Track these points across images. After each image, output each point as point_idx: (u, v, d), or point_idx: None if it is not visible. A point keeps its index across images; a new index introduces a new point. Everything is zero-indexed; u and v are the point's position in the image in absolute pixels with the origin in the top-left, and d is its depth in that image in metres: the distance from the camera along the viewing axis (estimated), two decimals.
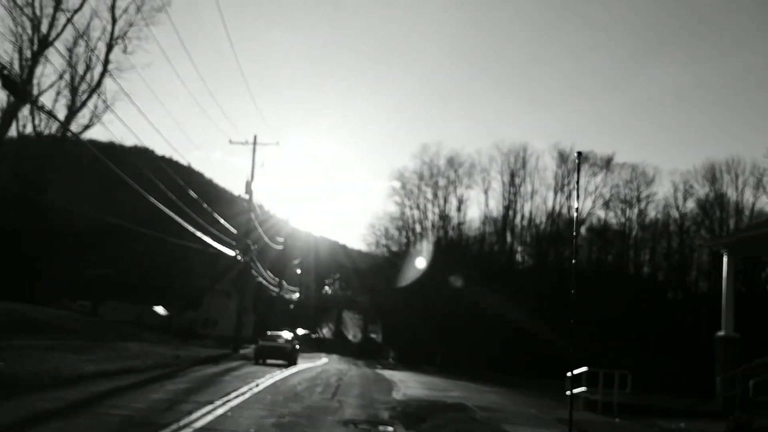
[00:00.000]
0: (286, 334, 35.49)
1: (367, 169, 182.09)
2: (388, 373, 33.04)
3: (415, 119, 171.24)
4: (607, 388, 16.79)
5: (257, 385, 18.02)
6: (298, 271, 66.57)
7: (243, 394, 15.17)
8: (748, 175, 60.70)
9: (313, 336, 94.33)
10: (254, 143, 40.26)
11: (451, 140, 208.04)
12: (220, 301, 71.12)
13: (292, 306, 68.08)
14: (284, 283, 57.78)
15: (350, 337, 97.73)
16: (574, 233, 16.58)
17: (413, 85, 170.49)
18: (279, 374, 23.76)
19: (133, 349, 26.01)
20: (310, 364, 35.54)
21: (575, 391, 14.09)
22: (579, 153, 14.01)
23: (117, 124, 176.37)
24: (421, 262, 74.64)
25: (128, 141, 50.26)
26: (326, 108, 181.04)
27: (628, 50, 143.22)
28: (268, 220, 59.00)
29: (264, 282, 57.12)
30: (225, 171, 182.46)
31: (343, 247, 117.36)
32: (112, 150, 39.47)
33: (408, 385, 24.73)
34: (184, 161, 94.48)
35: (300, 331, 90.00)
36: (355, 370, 35.28)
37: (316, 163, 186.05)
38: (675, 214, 66.66)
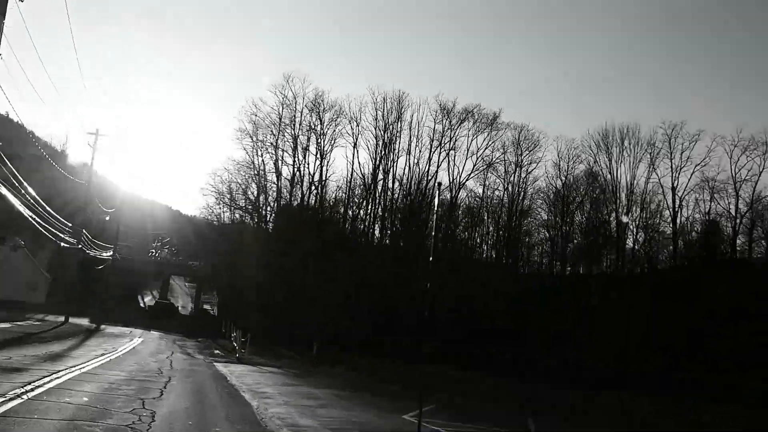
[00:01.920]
0: None
1: (222, 115, 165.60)
2: (245, 382, 22.08)
3: (278, 50, 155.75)
4: None
5: None
6: (107, 219, 52.25)
7: None
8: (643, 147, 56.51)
9: (146, 301, 78.87)
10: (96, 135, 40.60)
11: (319, 77, 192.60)
12: (1, 257, 54.76)
13: (101, 267, 53.57)
14: (87, 238, 43.62)
15: (179, 307, 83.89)
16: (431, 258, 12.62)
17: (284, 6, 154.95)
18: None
19: None
20: (98, 352, 23.55)
21: None
22: (439, 184, 8.86)
23: None
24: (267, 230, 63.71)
25: None
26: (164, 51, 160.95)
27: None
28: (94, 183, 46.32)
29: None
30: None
31: (177, 212, 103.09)
32: None
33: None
34: None
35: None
36: (183, 364, 23.84)
37: (163, 124, 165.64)
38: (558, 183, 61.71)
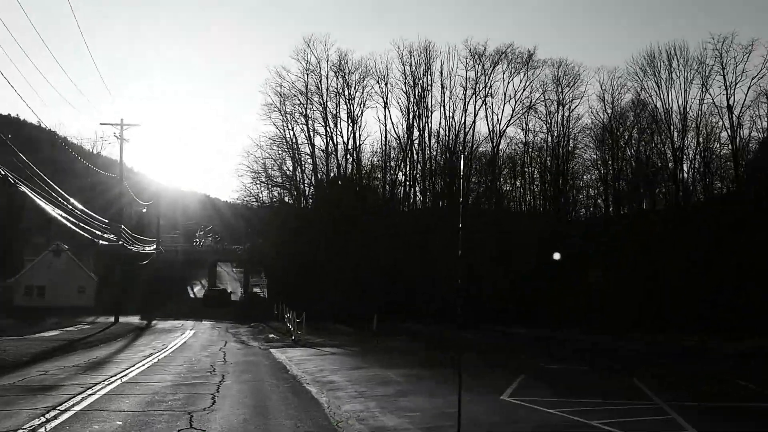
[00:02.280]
0: None
1: (244, 92, 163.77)
2: (307, 370, 19.98)
3: (292, 14, 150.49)
4: None
5: None
6: (144, 210, 50.99)
7: None
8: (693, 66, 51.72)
9: (195, 291, 78.15)
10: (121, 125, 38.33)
11: (340, 36, 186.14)
12: (47, 262, 54.09)
13: (146, 262, 52.48)
14: (127, 234, 42.17)
15: (230, 293, 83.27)
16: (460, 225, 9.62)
17: None
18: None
19: None
20: (146, 352, 21.73)
21: None
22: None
23: None
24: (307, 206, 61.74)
25: None
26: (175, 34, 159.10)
27: None
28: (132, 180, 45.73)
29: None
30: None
31: (216, 200, 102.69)
32: None
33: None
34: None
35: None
36: (237, 356, 21.90)
37: (186, 112, 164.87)
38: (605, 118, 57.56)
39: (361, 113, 60.44)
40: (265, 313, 50.55)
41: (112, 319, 42.21)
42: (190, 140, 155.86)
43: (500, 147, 60.53)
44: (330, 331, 33.20)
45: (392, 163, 62.70)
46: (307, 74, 59.35)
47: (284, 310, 40.11)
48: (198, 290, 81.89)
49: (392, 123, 60.93)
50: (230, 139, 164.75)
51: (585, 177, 61.72)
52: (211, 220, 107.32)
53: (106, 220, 40.05)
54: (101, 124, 41.24)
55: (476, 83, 59.72)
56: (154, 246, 57.42)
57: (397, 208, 61.83)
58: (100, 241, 37.96)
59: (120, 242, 39.64)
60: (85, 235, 34.58)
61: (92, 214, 37.15)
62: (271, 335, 32.13)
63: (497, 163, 61.05)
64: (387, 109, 60.47)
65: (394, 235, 51.19)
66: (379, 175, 63.15)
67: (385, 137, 61.11)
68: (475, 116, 59.64)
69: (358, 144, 60.51)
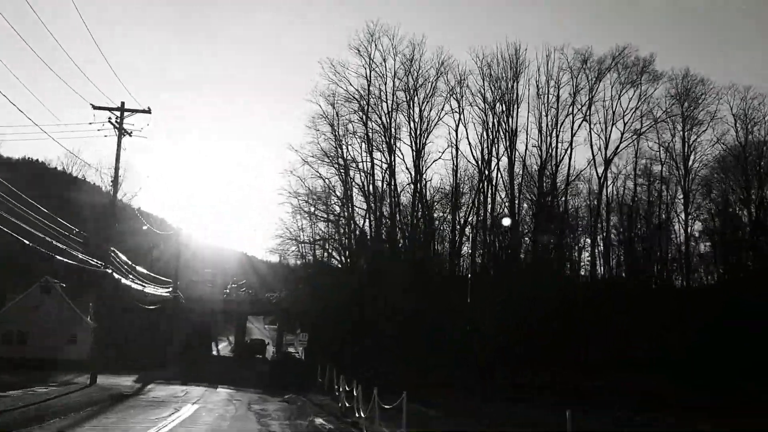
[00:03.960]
0: None
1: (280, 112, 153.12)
2: None
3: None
4: None
5: None
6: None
7: None
8: None
9: (219, 349, 66.50)
10: (121, 109, 28.16)
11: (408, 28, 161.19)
12: (31, 302, 43.01)
13: (154, 308, 41.29)
14: (119, 263, 30.66)
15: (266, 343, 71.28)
16: None
17: None
18: None
19: None
20: None
21: None
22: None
23: None
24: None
25: None
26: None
27: None
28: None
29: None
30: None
31: (252, 258, 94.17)
32: None
33: None
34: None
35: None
36: None
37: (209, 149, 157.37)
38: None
39: (427, 135, 49.24)
40: (302, 380, 37.94)
41: (101, 379, 30.94)
42: (222, 195, 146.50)
43: (607, 176, 48.19)
44: (415, 415, 20.56)
45: (462, 200, 50.80)
46: (370, 70, 48.46)
47: (333, 377, 27.73)
48: (223, 347, 69.77)
49: (469, 143, 49.48)
50: (267, 192, 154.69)
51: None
52: (247, 278, 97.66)
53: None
54: (94, 107, 28.97)
55: (573, 99, 48.32)
56: (171, 288, 46.20)
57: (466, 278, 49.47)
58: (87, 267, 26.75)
59: (108, 270, 28.22)
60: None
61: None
62: (319, 420, 19.65)
63: (600, 202, 48.57)
64: (460, 126, 49.20)
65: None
66: (446, 212, 51.12)
67: (456, 170, 49.27)
68: (572, 136, 47.89)
69: (420, 184, 48.62)
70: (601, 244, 49.19)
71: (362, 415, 19.02)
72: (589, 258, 51.02)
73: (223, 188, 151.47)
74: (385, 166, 48.77)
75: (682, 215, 47.84)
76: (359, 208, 49.28)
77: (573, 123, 47.99)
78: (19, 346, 41.43)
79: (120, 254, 30.48)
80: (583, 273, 50.93)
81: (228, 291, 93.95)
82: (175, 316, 50.02)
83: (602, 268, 50.29)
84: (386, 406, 17.40)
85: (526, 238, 49.73)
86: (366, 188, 49.47)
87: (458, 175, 49.20)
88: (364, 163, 48.85)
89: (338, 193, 49.49)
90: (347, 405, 20.84)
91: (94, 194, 61.43)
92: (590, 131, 48.02)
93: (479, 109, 49.19)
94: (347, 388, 21.94)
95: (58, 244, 24.90)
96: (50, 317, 42.27)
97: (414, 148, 48.62)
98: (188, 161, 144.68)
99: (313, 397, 28.43)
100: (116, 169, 28.63)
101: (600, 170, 47.69)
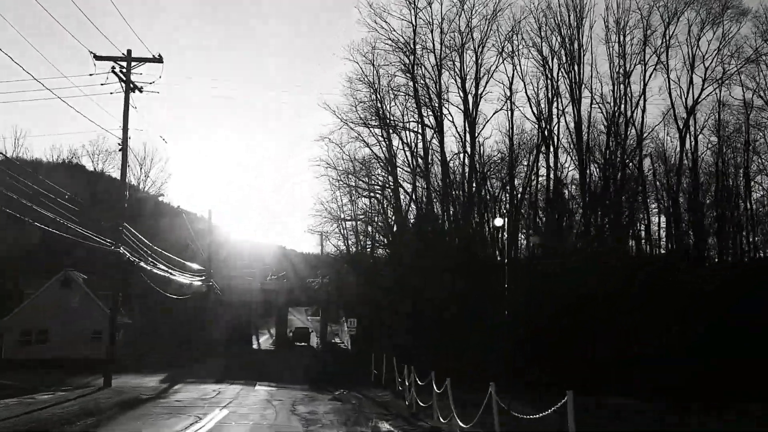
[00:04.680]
0: None
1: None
2: None
3: None
4: None
5: None
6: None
7: None
8: None
9: (260, 342, 62.74)
10: (128, 59, 23.66)
11: None
12: (51, 297, 39.31)
13: (187, 296, 37.35)
14: (133, 241, 26.29)
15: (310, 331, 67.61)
16: None
17: None
18: None
19: None
20: None
21: None
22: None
23: None
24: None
25: None
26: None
27: None
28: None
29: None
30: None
31: (291, 251, 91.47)
32: None
33: None
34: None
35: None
36: None
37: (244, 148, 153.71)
38: None
39: (480, 96, 43.73)
40: (352, 373, 33.32)
41: (124, 379, 27.26)
42: (257, 185, 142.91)
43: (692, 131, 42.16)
44: (505, 416, 15.52)
45: (519, 167, 45.30)
46: (415, 18, 43.13)
47: (394, 368, 22.94)
48: (264, 340, 65.89)
49: (527, 97, 43.83)
50: (306, 182, 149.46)
51: None
52: (285, 270, 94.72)
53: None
54: (95, 57, 24.17)
55: (644, 43, 42.36)
56: (203, 277, 42.13)
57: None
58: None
59: (120, 250, 23.90)
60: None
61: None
62: (385, 426, 14.80)
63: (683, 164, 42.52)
64: (514, 79, 43.69)
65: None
66: (505, 181, 45.64)
67: (512, 130, 43.84)
68: (644, 86, 41.96)
69: (477, 153, 43.21)
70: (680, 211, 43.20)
71: (441, 419, 14.22)
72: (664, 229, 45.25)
73: (256, 178, 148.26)
74: (431, 132, 43.73)
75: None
76: (404, 180, 44.32)
77: (645, 71, 42.09)
78: (37, 346, 37.92)
79: (134, 232, 26.14)
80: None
81: (266, 280, 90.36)
82: (212, 309, 46.17)
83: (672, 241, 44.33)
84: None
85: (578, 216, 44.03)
86: (413, 153, 44.57)
87: (513, 139, 43.76)
88: (409, 124, 43.94)
89: (381, 162, 44.53)
90: (420, 404, 16.00)
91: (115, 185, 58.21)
92: (668, 77, 42.05)
93: (536, 59, 43.61)
94: (418, 382, 17.09)
95: (78, 228, 21.16)
96: (71, 313, 38.61)
97: (466, 104, 43.18)
98: (218, 147, 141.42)
99: (369, 393, 23.65)
100: (125, 130, 24.09)
101: (681, 123, 41.74)
